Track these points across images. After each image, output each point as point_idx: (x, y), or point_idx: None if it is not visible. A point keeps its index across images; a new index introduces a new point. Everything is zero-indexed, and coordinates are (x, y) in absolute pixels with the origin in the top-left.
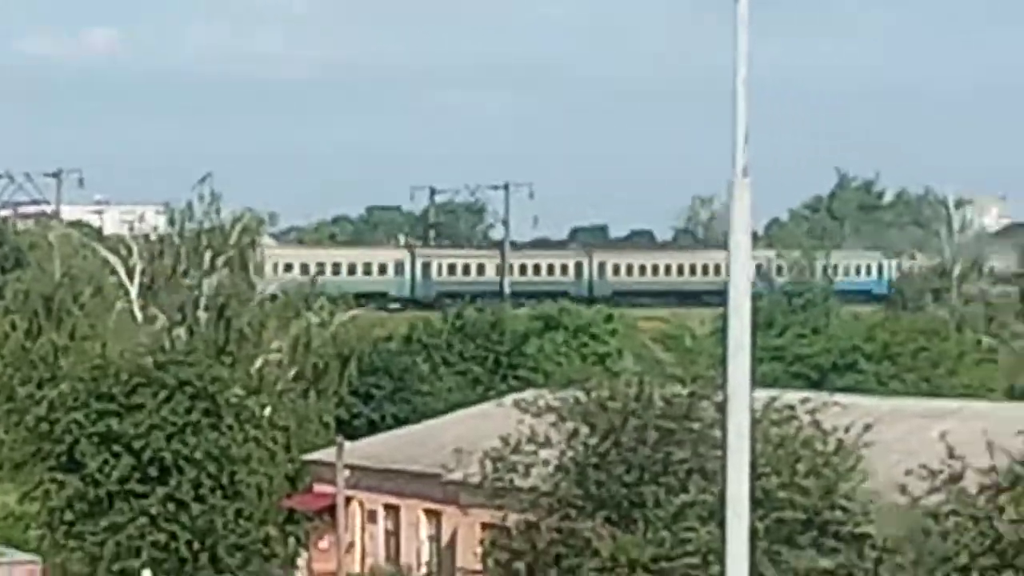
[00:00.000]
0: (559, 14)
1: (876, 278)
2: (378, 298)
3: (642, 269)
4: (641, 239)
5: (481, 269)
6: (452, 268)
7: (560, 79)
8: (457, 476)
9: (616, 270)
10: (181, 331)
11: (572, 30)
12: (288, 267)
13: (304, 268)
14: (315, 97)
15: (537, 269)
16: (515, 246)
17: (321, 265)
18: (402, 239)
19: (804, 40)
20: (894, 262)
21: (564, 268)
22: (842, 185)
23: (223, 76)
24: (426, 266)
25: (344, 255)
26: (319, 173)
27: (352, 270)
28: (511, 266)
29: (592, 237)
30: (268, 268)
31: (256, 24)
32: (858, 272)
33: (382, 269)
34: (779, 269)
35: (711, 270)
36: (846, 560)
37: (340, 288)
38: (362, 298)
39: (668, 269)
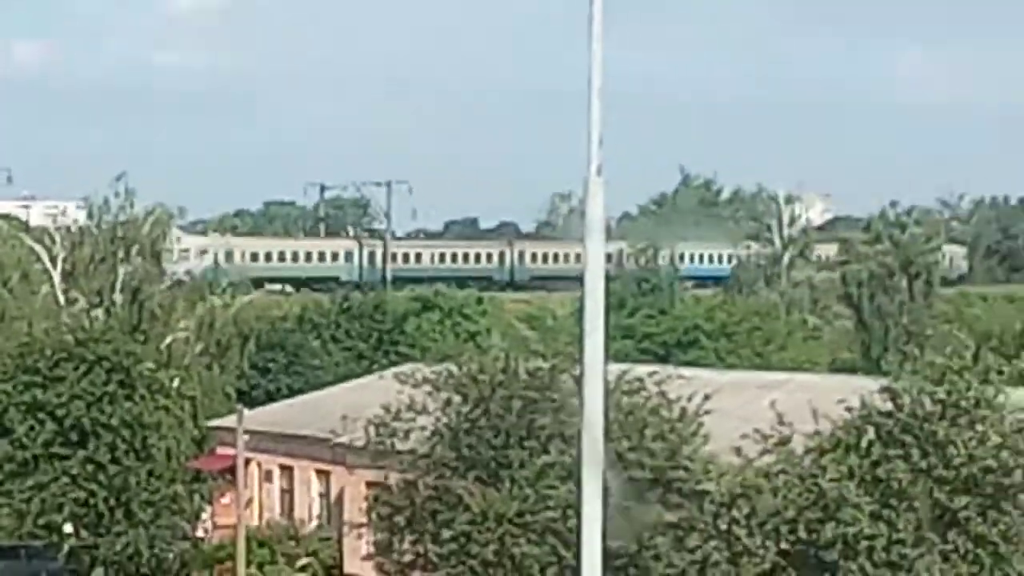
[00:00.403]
0: (434, 27)
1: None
2: (331, 282)
3: (555, 257)
4: (508, 229)
5: (418, 257)
6: (394, 256)
7: (436, 86)
8: (344, 440)
9: (534, 258)
10: (99, 312)
11: (446, 40)
12: (254, 256)
13: (268, 256)
14: (221, 103)
15: (466, 257)
16: (442, 235)
17: (282, 253)
18: (351, 231)
19: (653, 52)
20: (744, 251)
21: (489, 256)
22: (685, 183)
23: (137, 85)
24: (372, 255)
25: (303, 245)
26: (223, 171)
27: (309, 257)
28: (443, 254)
29: (464, 229)
30: (236, 256)
31: (167, 41)
32: (712, 260)
33: (335, 257)
34: (629, 258)
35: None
36: (688, 514)
37: (301, 273)
38: (316, 282)
39: (579, 257)
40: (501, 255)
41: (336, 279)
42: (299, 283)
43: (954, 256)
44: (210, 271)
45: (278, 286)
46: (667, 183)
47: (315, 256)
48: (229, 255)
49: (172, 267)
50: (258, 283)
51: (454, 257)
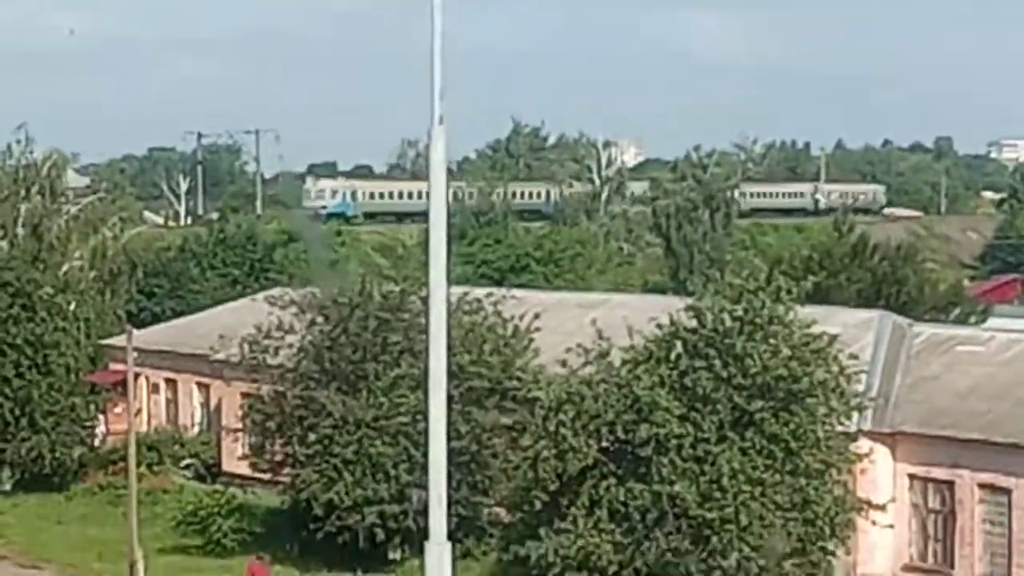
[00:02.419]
0: None
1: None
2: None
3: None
4: (363, 170)
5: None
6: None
7: (297, 46)
8: (221, 356)
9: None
10: (3, 244)
11: (304, 7)
12: (371, 195)
13: (380, 195)
14: (110, 61)
15: (523, 194)
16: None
17: (391, 193)
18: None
19: (489, 16)
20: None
21: (539, 194)
22: (516, 131)
23: (35, 46)
24: (456, 193)
25: (405, 186)
26: (111, 119)
27: (411, 195)
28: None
29: (325, 171)
30: (360, 195)
31: (61, 4)
32: (536, 196)
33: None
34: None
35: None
36: (521, 418)
37: (404, 208)
38: (417, 215)
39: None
40: (548, 193)
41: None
42: (401, 215)
43: (876, 192)
44: (340, 205)
45: (160, 220)
46: (501, 131)
47: (415, 194)
48: (353, 194)
49: (311, 204)
50: (371, 215)
51: (514, 194)
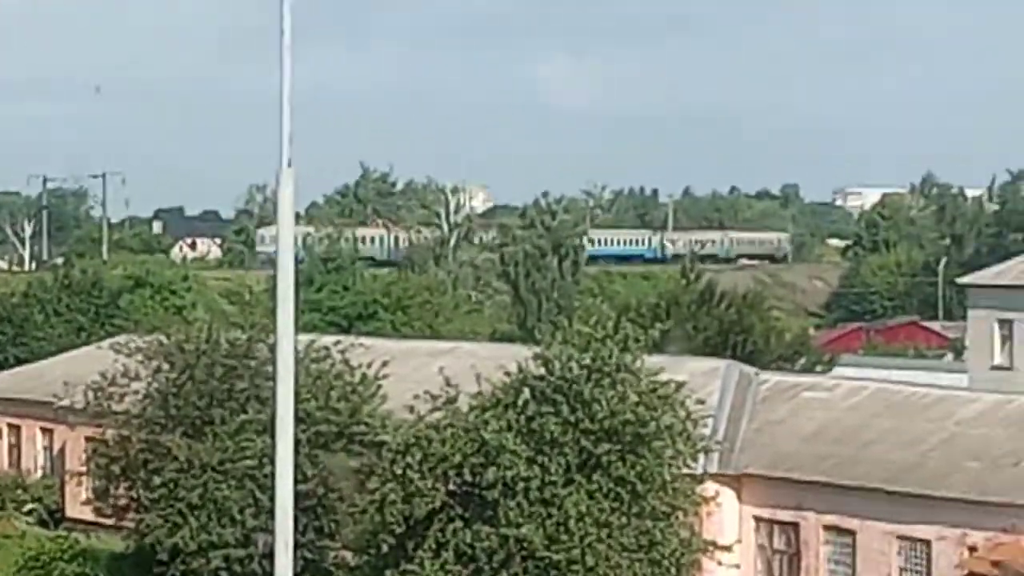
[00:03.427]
0: (142, 35)
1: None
2: (368, 260)
3: None
4: (210, 216)
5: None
6: (410, 240)
7: (146, 90)
8: (66, 403)
9: None
10: None
11: (153, 48)
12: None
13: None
14: None
15: None
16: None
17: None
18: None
19: (341, 63)
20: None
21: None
22: (365, 175)
23: None
24: (396, 238)
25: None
26: None
27: (354, 241)
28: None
29: (172, 216)
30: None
31: None
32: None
33: (372, 241)
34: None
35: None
36: (368, 461)
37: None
38: (360, 260)
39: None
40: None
41: (372, 258)
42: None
43: (781, 240)
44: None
45: (4, 265)
46: (349, 176)
47: (366, 240)
48: (305, 240)
49: (265, 249)
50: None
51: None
